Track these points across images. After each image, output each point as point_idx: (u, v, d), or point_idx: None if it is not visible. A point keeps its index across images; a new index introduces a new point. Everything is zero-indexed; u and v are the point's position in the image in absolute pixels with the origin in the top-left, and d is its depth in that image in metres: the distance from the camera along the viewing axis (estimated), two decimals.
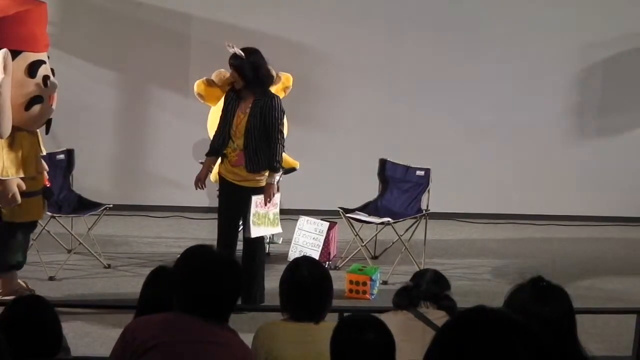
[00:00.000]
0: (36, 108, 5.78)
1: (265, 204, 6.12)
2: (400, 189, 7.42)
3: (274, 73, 6.72)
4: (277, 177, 6.14)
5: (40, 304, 3.39)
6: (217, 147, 6.16)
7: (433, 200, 7.26)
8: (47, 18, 5.93)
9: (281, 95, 7.18)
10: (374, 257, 7.40)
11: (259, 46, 6.17)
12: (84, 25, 8.11)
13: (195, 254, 3.12)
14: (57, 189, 6.84)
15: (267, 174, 6.08)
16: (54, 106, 5.94)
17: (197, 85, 6.93)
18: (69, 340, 3.72)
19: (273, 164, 6.04)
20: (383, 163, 7.50)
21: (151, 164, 8.43)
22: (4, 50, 5.53)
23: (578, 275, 7.19)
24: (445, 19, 8.27)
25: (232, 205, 6.19)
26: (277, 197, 6.24)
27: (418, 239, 7.15)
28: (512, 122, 8.48)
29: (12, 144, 5.70)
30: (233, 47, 5.99)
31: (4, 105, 5.53)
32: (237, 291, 3.14)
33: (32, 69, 5.75)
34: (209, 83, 6.89)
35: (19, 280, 6.10)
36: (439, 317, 3.82)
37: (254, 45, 6.14)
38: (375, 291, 6.65)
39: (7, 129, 5.59)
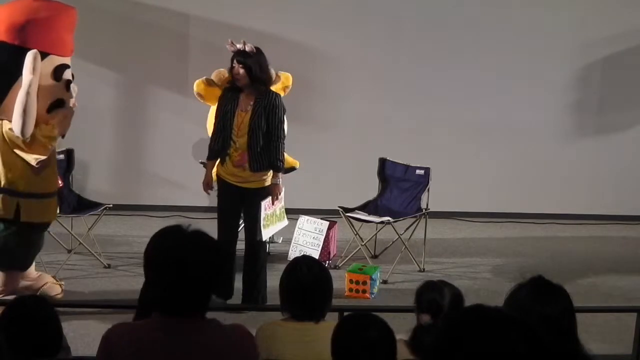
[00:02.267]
0: (57, 111, 5.84)
1: (273, 204, 6.14)
2: (400, 188, 7.43)
3: (273, 73, 6.72)
4: (280, 176, 6.15)
5: (40, 304, 3.39)
6: (218, 149, 6.13)
7: (433, 199, 7.26)
8: (76, 23, 5.99)
9: (281, 94, 7.19)
10: (374, 256, 7.40)
11: (258, 46, 6.16)
12: (83, 25, 8.07)
13: (160, 238, 2.80)
14: None
15: (270, 173, 6.07)
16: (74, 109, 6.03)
17: (197, 85, 6.92)
18: (69, 340, 3.72)
19: (276, 163, 6.02)
20: (383, 162, 7.51)
21: (151, 164, 8.43)
22: (34, 51, 5.62)
23: (578, 273, 7.18)
24: (445, 19, 8.27)
25: (232, 207, 6.18)
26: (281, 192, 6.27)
27: (418, 238, 7.15)
28: (511, 120, 8.48)
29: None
30: (243, 44, 5.97)
31: (32, 106, 5.63)
32: (214, 270, 2.74)
33: (57, 72, 5.83)
34: (209, 83, 6.89)
35: (49, 275, 6.24)
36: None
37: (254, 45, 6.13)
38: (375, 290, 6.65)
39: (30, 130, 5.67)
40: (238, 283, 6.25)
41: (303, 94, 7.73)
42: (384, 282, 6.85)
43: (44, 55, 5.71)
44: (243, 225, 6.32)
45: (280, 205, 6.30)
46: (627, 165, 8.68)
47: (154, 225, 7.97)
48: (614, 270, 7.41)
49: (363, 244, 7.17)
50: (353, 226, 7.14)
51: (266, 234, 6.21)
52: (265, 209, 6.11)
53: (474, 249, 7.83)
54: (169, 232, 2.78)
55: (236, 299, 6.22)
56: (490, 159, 8.53)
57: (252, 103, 5.97)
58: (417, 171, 7.34)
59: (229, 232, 6.19)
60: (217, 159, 6.20)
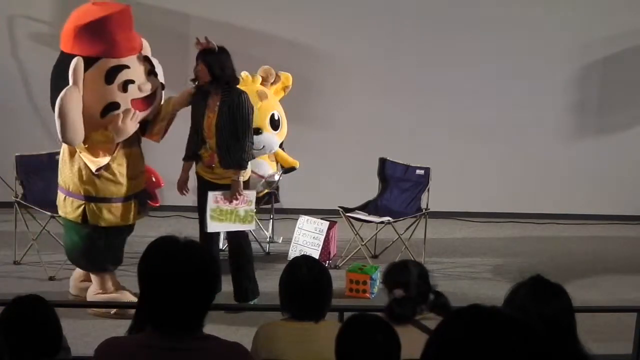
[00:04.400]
0: (111, 115, 5.76)
1: (231, 202, 6.10)
2: (400, 188, 7.43)
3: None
4: (243, 174, 6.09)
5: (40, 304, 3.39)
6: (193, 150, 6.24)
7: (433, 199, 7.26)
8: (132, 21, 5.84)
9: (281, 94, 7.20)
10: (374, 256, 7.40)
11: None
12: None
13: (153, 250, 2.69)
14: (56, 189, 6.82)
15: (245, 172, 6.08)
16: (152, 108, 5.99)
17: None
18: (69, 340, 3.72)
19: (240, 161, 6.01)
20: (383, 162, 7.51)
21: (151, 164, 8.40)
22: (77, 58, 5.58)
23: (578, 273, 7.18)
24: (446, 18, 8.26)
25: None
26: (251, 195, 6.22)
27: (418, 238, 7.15)
28: (511, 120, 8.47)
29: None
30: (208, 41, 5.96)
31: (67, 115, 5.57)
32: (209, 285, 2.62)
33: (110, 75, 5.72)
34: None
35: (129, 293, 6.09)
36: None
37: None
38: (375, 290, 6.65)
39: (74, 139, 5.66)
40: (230, 285, 6.23)
41: (303, 94, 7.72)
42: None
43: (93, 60, 5.63)
44: None
45: (247, 207, 6.18)
46: (627, 165, 8.67)
47: (154, 225, 7.97)
48: (614, 270, 7.41)
49: (363, 244, 7.17)
50: (353, 226, 7.14)
51: (213, 227, 6.14)
52: (217, 201, 6.08)
53: (474, 249, 7.82)
54: (162, 244, 2.65)
55: (230, 299, 6.21)
56: (490, 159, 8.52)
57: (218, 104, 5.99)
58: (417, 171, 7.34)
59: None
60: (191, 161, 6.30)
